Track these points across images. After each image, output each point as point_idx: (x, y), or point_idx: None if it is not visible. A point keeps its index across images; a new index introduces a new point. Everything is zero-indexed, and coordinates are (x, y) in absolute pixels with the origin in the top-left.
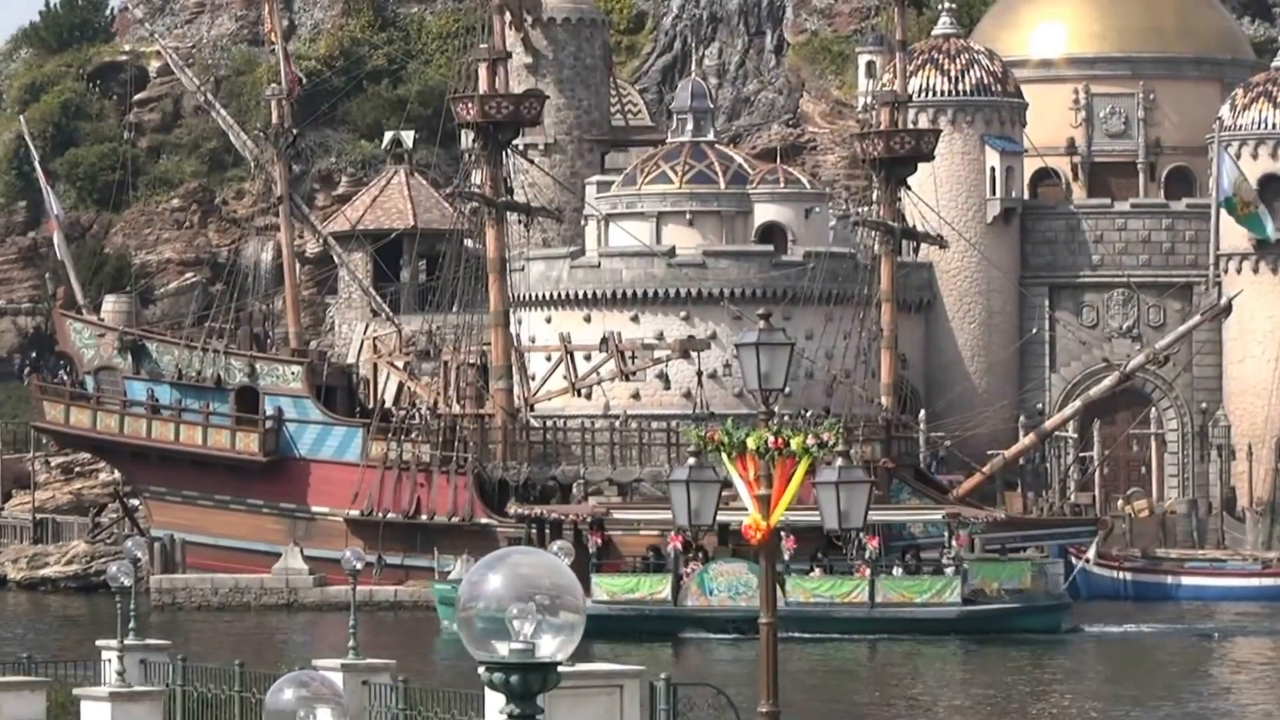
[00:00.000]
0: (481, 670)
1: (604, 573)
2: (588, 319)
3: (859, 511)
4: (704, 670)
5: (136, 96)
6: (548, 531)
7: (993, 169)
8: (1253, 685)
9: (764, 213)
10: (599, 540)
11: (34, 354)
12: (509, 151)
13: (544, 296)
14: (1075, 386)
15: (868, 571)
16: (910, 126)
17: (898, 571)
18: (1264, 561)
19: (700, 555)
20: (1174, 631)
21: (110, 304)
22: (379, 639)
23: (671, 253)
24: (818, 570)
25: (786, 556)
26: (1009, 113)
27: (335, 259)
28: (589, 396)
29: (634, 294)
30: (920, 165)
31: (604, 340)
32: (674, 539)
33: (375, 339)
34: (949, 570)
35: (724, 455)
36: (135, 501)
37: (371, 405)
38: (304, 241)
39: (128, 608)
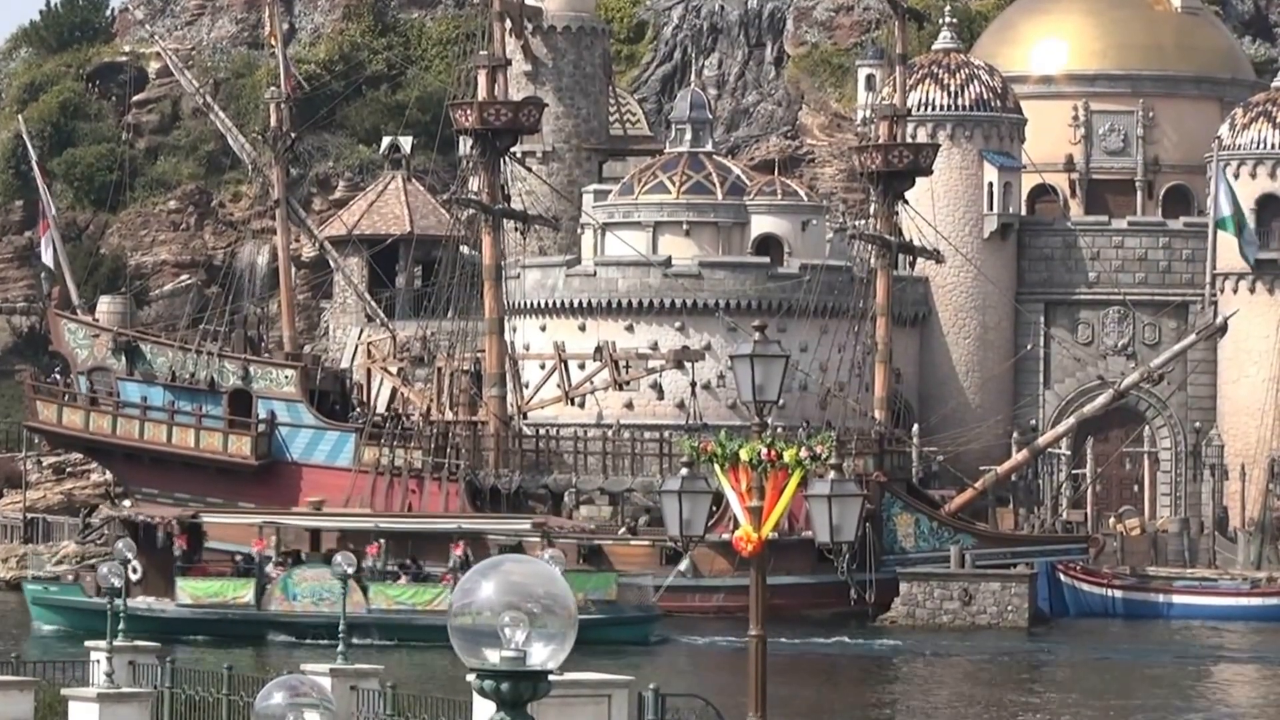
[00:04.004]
0: (472, 677)
1: (189, 576)
2: (582, 328)
3: (851, 525)
4: None
5: (135, 97)
6: (140, 533)
7: (990, 184)
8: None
9: (761, 224)
10: (184, 544)
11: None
12: (507, 159)
13: (539, 304)
14: (1069, 403)
15: (452, 580)
16: (909, 140)
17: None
18: (1254, 581)
19: (289, 560)
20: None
21: (105, 305)
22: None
23: (667, 263)
24: (405, 578)
25: (369, 562)
26: (1008, 128)
27: (331, 263)
28: (582, 405)
29: (629, 303)
30: (918, 179)
31: (598, 349)
32: (258, 543)
33: (369, 344)
34: None
35: (717, 466)
36: (127, 503)
37: (364, 410)
38: (300, 245)
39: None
